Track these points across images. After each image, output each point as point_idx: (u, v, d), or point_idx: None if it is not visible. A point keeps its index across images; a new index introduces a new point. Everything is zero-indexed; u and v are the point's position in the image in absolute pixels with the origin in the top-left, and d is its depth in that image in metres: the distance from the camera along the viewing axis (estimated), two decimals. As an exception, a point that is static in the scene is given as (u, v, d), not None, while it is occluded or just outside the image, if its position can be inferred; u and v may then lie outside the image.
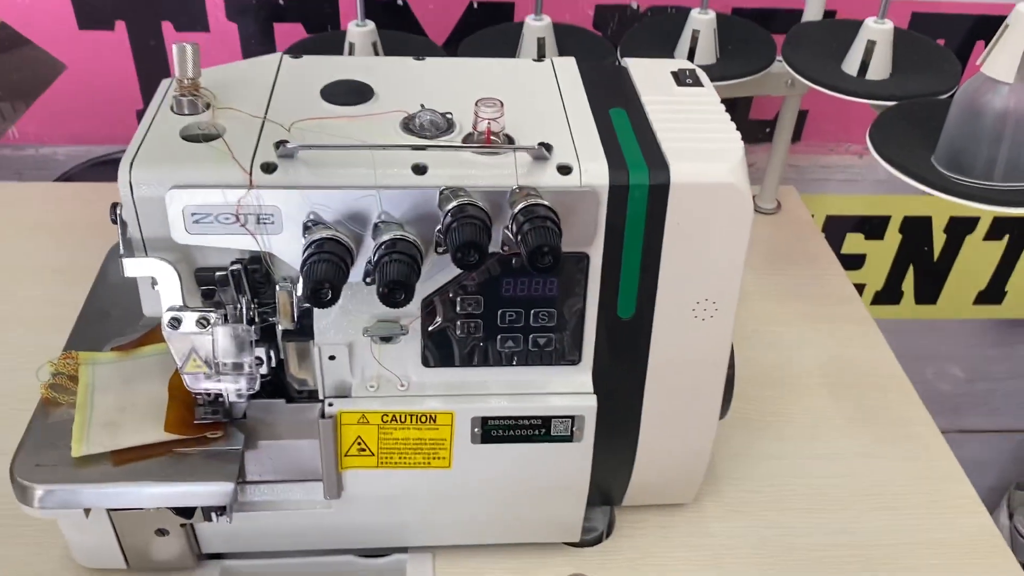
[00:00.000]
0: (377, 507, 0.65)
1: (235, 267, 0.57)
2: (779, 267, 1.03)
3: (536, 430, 0.63)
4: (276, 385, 0.64)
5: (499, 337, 0.61)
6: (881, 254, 1.32)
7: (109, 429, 0.60)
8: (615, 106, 0.63)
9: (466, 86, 0.63)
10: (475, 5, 1.04)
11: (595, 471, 0.66)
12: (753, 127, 1.18)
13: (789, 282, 1.00)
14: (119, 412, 0.61)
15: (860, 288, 1.34)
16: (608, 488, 0.70)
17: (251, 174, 0.54)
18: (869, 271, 1.33)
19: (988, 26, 1.09)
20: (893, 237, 1.30)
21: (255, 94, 0.61)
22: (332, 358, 0.61)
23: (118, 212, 0.55)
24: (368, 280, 0.57)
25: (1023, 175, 0.69)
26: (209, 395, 0.61)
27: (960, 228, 1.29)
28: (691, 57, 0.91)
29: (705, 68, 0.68)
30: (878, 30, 0.84)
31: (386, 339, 0.60)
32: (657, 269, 0.60)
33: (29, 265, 0.96)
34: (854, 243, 1.30)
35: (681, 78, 0.66)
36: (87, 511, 0.59)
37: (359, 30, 0.88)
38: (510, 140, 0.58)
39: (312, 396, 0.63)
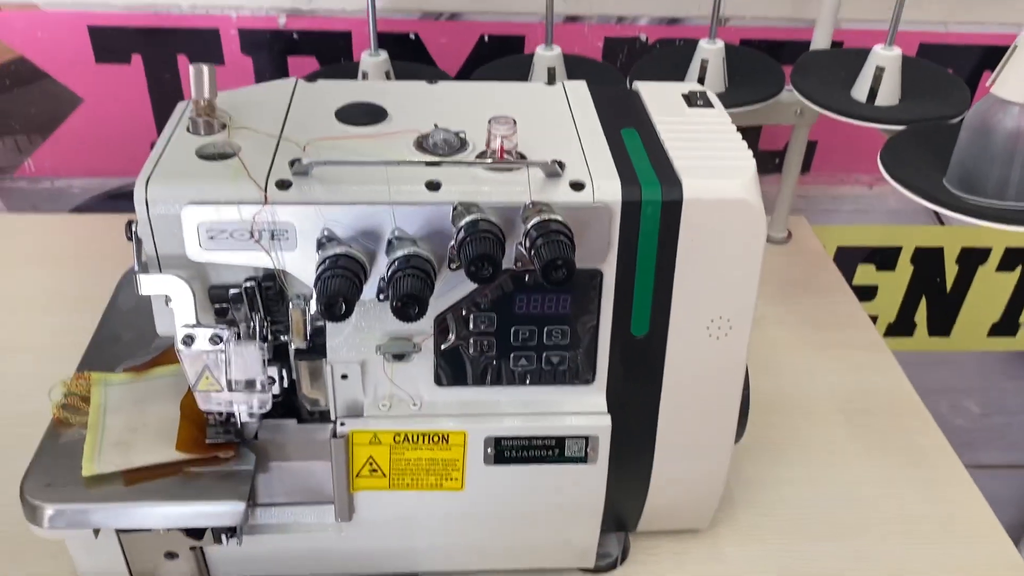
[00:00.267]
0: (389, 530, 0.65)
1: (249, 284, 0.57)
2: (791, 295, 1.02)
3: (550, 451, 0.62)
4: (288, 406, 0.63)
5: (512, 355, 0.61)
6: (893, 285, 1.31)
7: (120, 448, 0.60)
8: (627, 126, 0.63)
9: (478, 107, 0.64)
10: (486, 38, 1.05)
11: (609, 494, 0.65)
12: (763, 158, 1.19)
13: (802, 310, 1.00)
14: (131, 432, 0.61)
15: (873, 320, 1.34)
16: (622, 512, 0.69)
17: (266, 190, 0.55)
18: (881, 303, 1.33)
19: (995, 56, 1.10)
20: (905, 268, 1.30)
21: (270, 115, 0.62)
22: (344, 377, 0.60)
23: (133, 229, 0.56)
24: (381, 296, 0.57)
25: (1036, 195, 0.69)
26: (221, 415, 0.60)
27: (972, 259, 1.29)
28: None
29: (714, 96, 0.69)
30: (886, 56, 0.85)
31: (399, 357, 0.60)
32: (671, 286, 0.59)
33: (42, 294, 0.96)
34: (865, 274, 1.29)
35: (692, 100, 0.67)
36: (96, 532, 0.59)
37: (372, 60, 0.89)
38: (522, 158, 0.58)
39: (324, 417, 0.63)
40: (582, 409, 0.62)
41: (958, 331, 1.37)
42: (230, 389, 0.58)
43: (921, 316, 1.35)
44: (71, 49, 1.03)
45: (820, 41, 1.02)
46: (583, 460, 0.63)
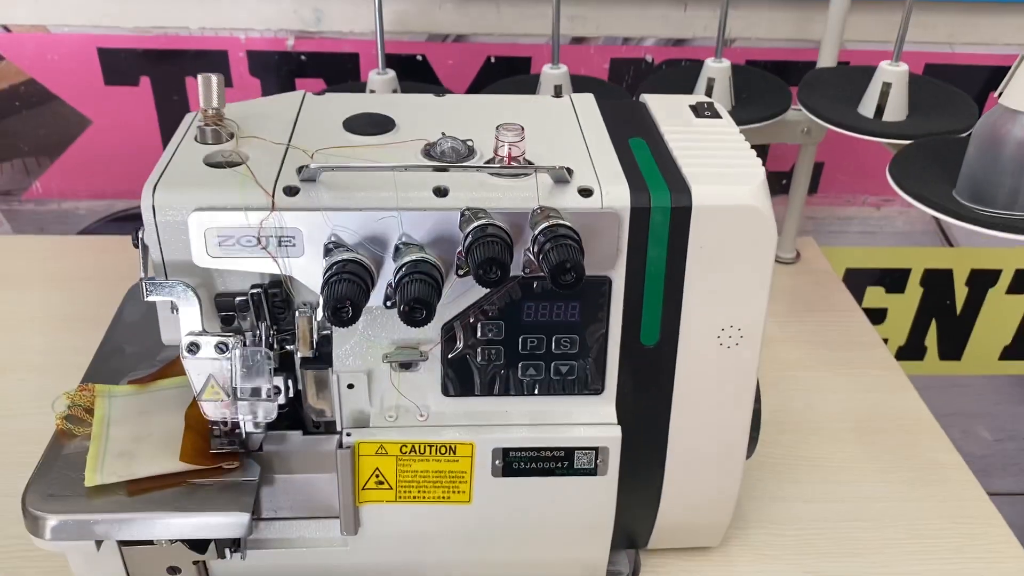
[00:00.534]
0: (395, 545, 0.64)
1: (255, 291, 0.56)
2: (801, 315, 1.01)
3: (559, 463, 0.61)
4: (293, 418, 0.63)
5: (520, 365, 0.60)
6: (903, 308, 1.30)
7: (124, 459, 0.59)
8: (634, 136, 0.63)
9: (486, 118, 0.63)
10: (492, 59, 1.06)
11: (619, 508, 0.64)
12: (770, 178, 1.17)
13: (812, 329, 0.99)
14: (134, 443, 0.60)
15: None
16: (633, 528, 0.68)
17: (273, 196, 0.54)
18: (891, 326, 1.32)
19: (1001, 77, 1.10)
20: (914, 291, 1.29)
21: (278, 126, 0.62)
22: (351, 386, 0.60)
23: (140, 236, 0.55)
24: (388, 304, 0.56)
25: (1047, 206, 0.69)
26: (226, 425, 0.60)
27: (982, 281, 1.28)
28: (707, 104, 0.92)
29: (720, 114, 0.68)
30: (893, 72, 0.85)
31: (406, 366, 0.59)
32: (680, 295, 0.59)
33: (47, 314, 0.96)
34: (875, 297, 1.29)
35: (699, 111, 0.67)
36: (99, 544, 0.58)
37: (380, 78, 0.89)
38: (530, 165, 0.58)
39: (329, 428, 0.62)
40: (591, 420, 0.61)
41: (969, 355, 1.36)
42: (235, 398, 0.57)
43: (931, 340, 1.34)
44: (80, 71, 1.04)
45: (825, 61, 1.02)
46: (593, 472, 0.61)
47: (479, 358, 0.60)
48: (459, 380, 0.60)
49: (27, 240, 1.11)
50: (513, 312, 0.58)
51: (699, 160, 0.59)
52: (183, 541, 0.59)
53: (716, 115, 0.66)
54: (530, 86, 0.94)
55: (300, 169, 0.56)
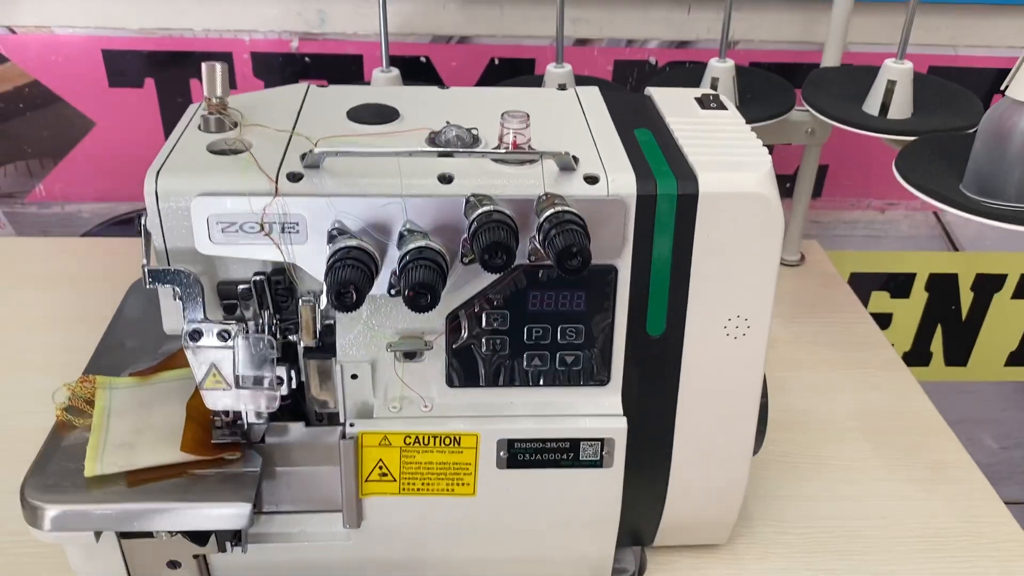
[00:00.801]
0: (398, 539, 0.63)
1: (258, 278, 0.56)
2: (806, 316, 1.01)
3: (564, 454, 0.60)
4: (295, 412, 0.62)
5: (525, 355, 0.59)
6: (908, 313, 1.30)
7: (124, 450, 0.58)
8: (640, 127, 0.63)
9: (490, 110, 0.63)
10: (496, 61, 1.06)
11: (625, 504, 0.63)
12: (773, 182, 1.18)
13: (817, 330, 0.98)
14: (135, 434, 0.60)
15: (887, 348, 1.32)
16: (639, 525, 0.67)
17: (277, 182, 0.54)
18: (896, 331, 1.31)
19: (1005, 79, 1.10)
20: (919, 295, 1.28)
21: (282, 116, 0.62)
22: (354, 377, 0.59)
23: (143, 222, 0.55)
24: (392, 292, 0.56)
25: (1055, 199, 0.68)
26: (227, 415, 0.59)
27: (987, 286, 1.28)
28: (711, 104, 0.92)
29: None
30: (898, 70, 0.85)
31: (410, 356, 0.59)
32: (687, 283, 0.58)
33: (50, 314, 0.95)
34: (880, 302, 1.28)
35: (705, 102, 0.67)
36: (98, 535, 0.57)
37: (384, 76, 0.89)
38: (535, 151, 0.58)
39: (332, 421, 0.61)
40: (597, 411, 0.61)
41: (975, 361, 1.35)
42: (237, 387, 0.57)
43: (937, 345, 1.33)
44: (85, 73, 1.04)
45: (829, 63, 1.02)
46: (598, 464, 0.61)
47: (484, 348, 0.59)
48: (464, 371, 0.60)
49: (31, 242, 1.11)
50: (518, 301, 0.58)
51: (705, 149, 0.59)
52: (183, 533, 0.59)
53: (722, 107, 0.66)
54: (535, 85, 0.93)
55: (304, 156, 0.55)
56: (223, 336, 0.56)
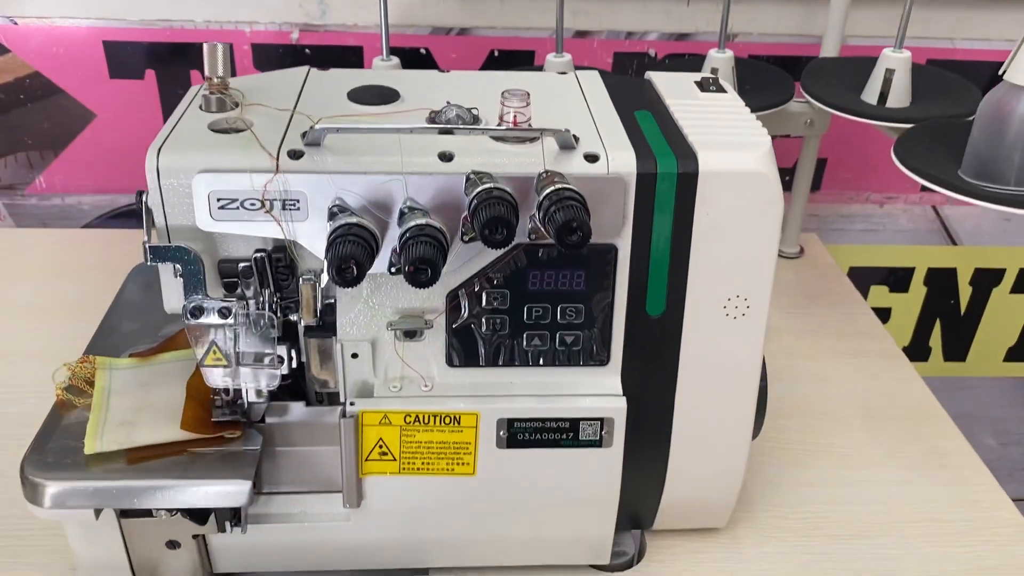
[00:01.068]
0: (398, 520, 0.63)
1: (259, 255, 0.56)
2: (805, 307, 1.01)
3: (563, 434, 0.60)
4: (296, 393, 0.62)
5: (525, 335, 0.60)
6: (907, 308, 1.30)
7: (124, 428, 0.58)
8: (640, 109, 0.63)
9: (490, 91, 0.63)
10: (496, 53, 1.06)
11: (625, 486, 0.63)
12: (772, 175, 1.18)
13: (816, 320, 0.98)
14: (135, 412, 0.60)
15: (886, 343, 1.32)
16: (638, 508, 0.67)
17: (278, 159, 0.54)
18: (895, 326, 1.31)
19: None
20: (918, 290, 1.28)
21: (283, 97, 0.62)
22: (355, 356, 0.59)
23: (144, 199, 0.55)
24: (393, 270, 0.56)
25: (1053, 183, 0.68)
26: (227, 394, 0.59)
27: (986, 280, 1.28)
28: (710, 94, 0.92)
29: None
30: (896, 59, 0.85)
31: (410, 335, 0.59)
32: (687, 263, 0.58)
33: (50, 303, 0.95)
34: (879, 296, 1.28)
35: (704, 85, 0.67)
36: (98, 513, 0.57)
37: (384, 64, 0.89)
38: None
39: (332, 401, 0.62)
40: (596, 391, 0.61)
41: (973, 356, 1.35)
42: (237, 364, 0.57)
43: (936, 340, 1.33)
44: (86, 64, 1.04)
45: (829, 48, 1.02)
46: (598, 444, 0.61)
47: (484, 328, 0.59)
48: (464, 350, 0.60)
49: (30, 233, 1.11)
50: (518, 280, 0.58)
51: (705, 129, 0.59)
52: (183, 513, 0.59)
53: (721, 90, 0.66)
54: (534, 77, 0.94)
55: (305, 134, 0.55)
56: (224, 313, 0.56)
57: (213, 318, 0.56)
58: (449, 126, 0.56)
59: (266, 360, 0.57)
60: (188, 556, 0.62)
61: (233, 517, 0.60)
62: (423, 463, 0.60)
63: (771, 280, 0.60)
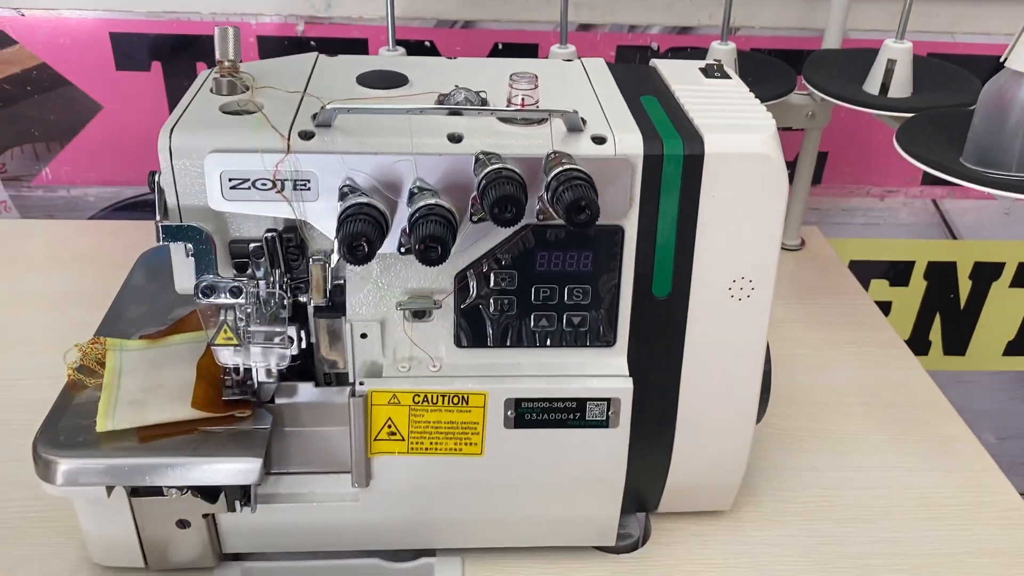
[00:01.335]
0: (406, 500, 0.63)
1: (269, 235, 0.57)
2: (807, 298, 1.02)
3: (570, 414, 0.61)
4: (305, 375, 0.63)
5: (533, 315, 0.60)
6: (907, 302, 1.31)
7: (136, 407, 0.59)
8: (646, 94, 0.64)
9: (498, 78, 0.64)
10: (500, 46, 1.07)
11: (631, 468, 0.64)
12: (774, 169, 1.19)
13: (818, 311, 0.99)
14: (146, 392, 0.60)
15: (887, 337, 1.32)
16: (644, 491, 0.68)
17: (289, 139, 0.55)
18: (895, 320, 1.32)
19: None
20: (918, 284, 1.29)
21: (293, 82, 0.62)
22: (364, 336, 0.60)
23: (156, 179, 0.56)
24: (403, 250, 0.56)
25: (1055, 169, 0.69)
26: (238, 373, 0.60)
27: (986, 274, 1.29)
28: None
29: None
30: (898, 49, 0.86)
31: (419, 316, 0.59)
32: (692, 244, 0.59)
33: (56, 293, 0.96)
34: (879, 290, 1.29)
35: (709, 72, 0.68)
36: (109, 490, 0.57)
37: (390, 55, 0.90)
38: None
39: (341, 381, 0.62)
40: (603, 372, 0.61)
41: (973, 350, 1.36)
42: (248, 343, 0.57)
43: (936, 334, 1.34)
44: (93, 56, 1.05)
45: (831, 39, 1.03)
46: (604, 424, 0.61)
47: (492, 308, 0.60)
48: (472, 331, 0.60)
49: (37, 224, 1.11)
50: (526, 261, 0.59)
51: (710, 113, 0.60)
52: (193, 492, 0.59)
53: (726, 76, 0.67)
54: (538, 68, 0.95)
55: (315, 115, 0.56)
56: (235, 292, 0.56)
57: (224, 297, 0.56)
58: (458, 107, 0.57)
59: (276, 339, 0.58)
60: (198, 536, 0.62)
61: (243, 496, 0.60)
62: (431, 443, 0.61)
63: (776, 262, 0.60)
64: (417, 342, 0.60)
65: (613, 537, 0.67)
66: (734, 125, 0.59)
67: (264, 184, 0.55)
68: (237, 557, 0.66)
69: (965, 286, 1.30)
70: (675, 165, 0.57)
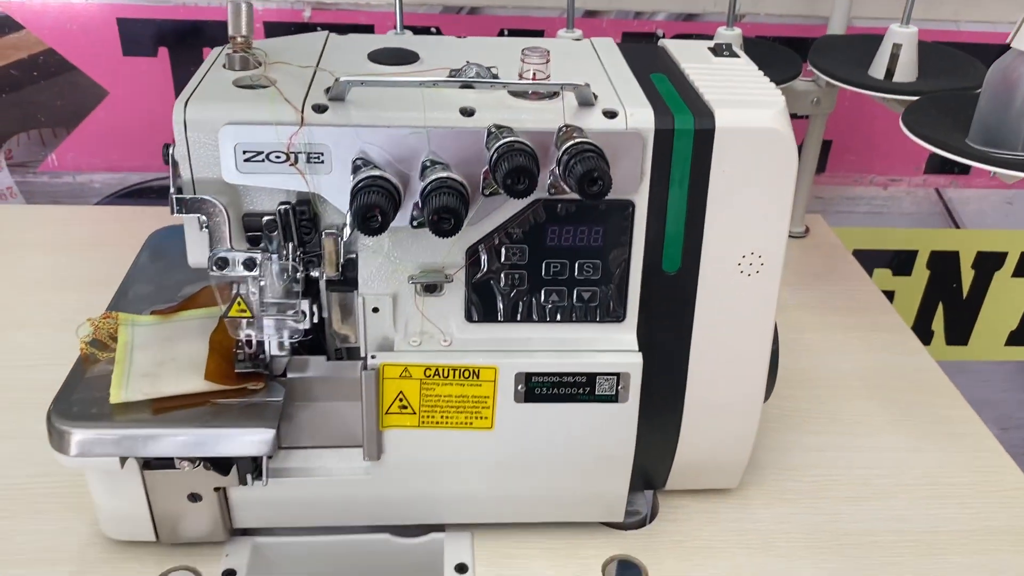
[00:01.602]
0: (417, 474, 0.64)
1: (283, 208, 0.57)
2: (811, 283, 1.02)
3: (580, 388, 0.61)
4: (316, 350, 0.63)
5: (543, 290, 0.61)
6: (910, 291, 1.31)
7: (149, 379, 0.59)
8: (656, 72, 0.64)
9: (507, 55, 0.64)
10: (506, 32, 1.07)
11: (639, 445, 0.64)
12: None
13: (823, 296, 1.00)
14: (159, 365, 0.61)
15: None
16: (652, 468, 0.68)
17: (303, 112, 0.55)
18: (898, 309, 1.31)
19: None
20: (921, 273, 1.30)
21: (304, 59, 0.63)
22: (376, 310, 0.60)
23: (170, 152, 0.56)
24: (415, 223, 0.57)
25: (1062, 149, 0.69)
26: (250, 346, 0.60)
27: (988, 263, 1.29)
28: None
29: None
30: (903, 33, 0.86)
31: (430, 289, 0.60)
32: (703, 219, 0.59)
33: (65, 276, 0.96)
34: (882, 279, 1.29)
35: (718, 51, 0.68)
36: (123, 461, 0.58)
37: (399, 37, 0.90)
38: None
39: (353, 356, 0.62)
40: (613, 347, 0.62)
41: (975, 340, 1.36)
42: (261, 315, 0.58)
43: (938, 324, 1.34)
44: (99, 41, 1.05)
45: (837, 25, 1.03)
46: (614, 399, 0.62)
47: (502, 283, 0.60)
48: (483, 305, 0.61)
49: (43, 209, 1.12)
50: (537, 236, 0.59)
51: (720, 89, 0.60)
52: (205, 464, 0.59)
53: (735, 55, 0.68)
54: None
55: (328, 89, 0.56)
56: (248, 265, 0.57)
57: (238, 270, 0.57)
58: (471, 80, 0.57)
59: (289, 312, 0.58)
60: (209, 510, 0.63)
61: (254, 469, 0.61)
62: (442, 416, 0.61)
63: (785, 238, 0.61)
64: (428, 316, 0.61)
65: (621, 513, 0.67)
66: (744, 101, 0.59)
67: (278, 157, 0.55)
68: (246, 533, 0.66)
69: (968, 276, 1.30)
70: (686, 140, 0.57)
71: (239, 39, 0.60)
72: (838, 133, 1.17)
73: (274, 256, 0.58)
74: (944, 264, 1.29)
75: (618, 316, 0.62)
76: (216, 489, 0.62)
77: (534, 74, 0.58)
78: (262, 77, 0.59)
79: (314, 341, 0.62)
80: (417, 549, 0.67)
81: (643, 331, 0.62)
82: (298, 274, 0.58)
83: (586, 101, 0.57)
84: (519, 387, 0.61)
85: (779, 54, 0.99)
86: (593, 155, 0.53)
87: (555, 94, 0.58)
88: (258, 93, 0.57)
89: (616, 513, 0.67)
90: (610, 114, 0.57)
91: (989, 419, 1.46)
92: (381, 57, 0.63)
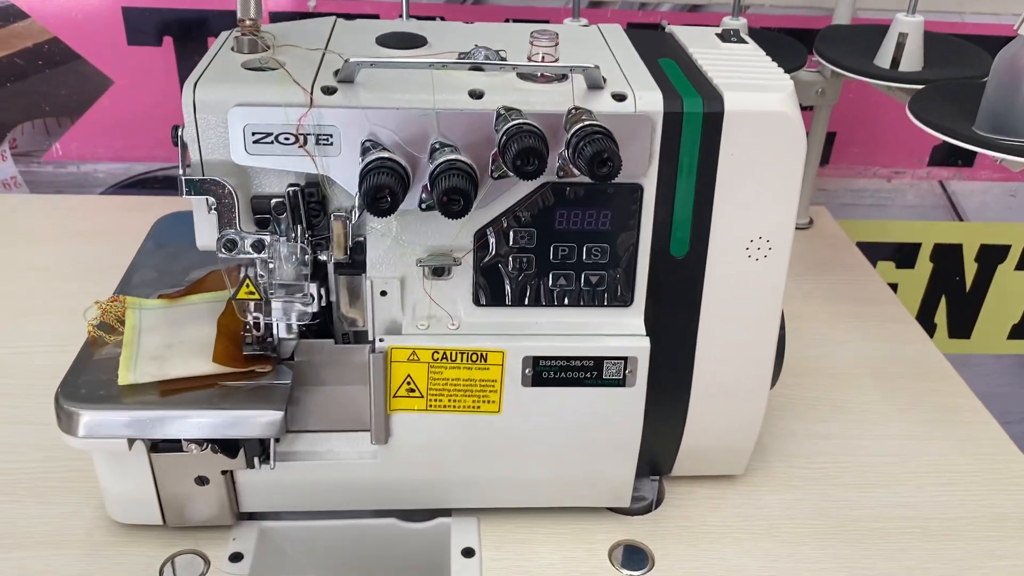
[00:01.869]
0: (424, 458, 0.64)
1: (292, 190, 0.57)
2: (816, 274, 1.02)
3: (588, 372, 0.61)
4: (324, 334, 0.63)
5: (551, 274, 0.61)
6: (913, 284, 1.31)
7: (157, 361, 0.59)
8: (664, 57, 0.64)
9: (515, 40, 0.65)
10: (510, 22, 1.07)
11: (646, 430, 0.64)
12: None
13: (827, 286, 1.00)
14: (166, 348, 0.61)
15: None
16: (658, 453, 0.68)
17: (312, 94, 0.55)
18: (901, 302, 1.32)
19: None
20: (924, 266, 1.30)
21: (313, 42, 0.63)
22: (384, 294, 0.60)
23: (179, 133, 0.56)
24: (424, 206, 0.57)
25: (1069, 137, 0.69)
26: (258, 329, 0.60)
27: (991, 256, 1.29)
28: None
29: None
30: (909, 23, 0.86)
31: (438, 273, 0.60)
32: (711, 203, 0.59)
33: (70, 264, 0.96)
34: (885, 272, 1.29)
35: (726, 36, 0.68)
36: (131, 443, 0.58)
37: (406, 23, 0.90)
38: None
39: (360, 340, 0.62)
40: (620, 331, 0.62)
41: (978, 333, 1.36)
42: (270, 297, 0.58)
43: (941, 317, 1.34)
44: (104, 31, 1.05)
45: (842, 15, 1.03)
46: (621, 383, 0.62)
47: (510, 267, 0.60)
48: (490, 289, 0.61)
49: (47, 199, 1.11)
50: (545, 219, 0.59)
51: (729, 73, 0.60)
52: (213, 447, 0.59)
53: (742, 40, 0.68)
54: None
55: (338, 71, 0.56)
56: (257, 247, 0.57)
57: (247, 251, 0.57)
58: (480, 62, 0.57)
59: (297, 295, 0.58)
60: (216, 493, 0.63)
61: (262, 452, 0.61)
62: (450, 400, 0.61)
63: (793, 223, 0.61)
64: (436, 300, 0.61)
65: (628, 498, 0.68)
66: (753, 84, 0.59)
67: (287, 138, 0.55)
68: (253, 517, 0.66)
69: (971, 268, 1.30)
70: (695, 123, 0.57)
71: (247, 22, 0.60)
72: (842, 125, 1.17)
73: (282, 239, 0.58)
74: (947, 257, 1.29)
75: (626, 300, 0.62)
76: (223, 472, 0.62)
77: (543, 57, 0.58)
78: (271, 59, 0.59)
79: (322, 324, 0.63)
80: (424, 533, 0.67)
81: (651, 315, 0.62)
82: (307, 256, 0.58)
83: (595, 83, 0.57)
84: (526, 371, 0.61)
85: (783, 45, 0.99)
86: (603, 136, 0.53)
87: (564, 77, 0.58)
88: (267, 75, 0.57)
89: (623, 499, 0.68)
90: (619, 97, 0.57)
91: (992, 412, 1.47)
92: (389, 41, 0.63)
